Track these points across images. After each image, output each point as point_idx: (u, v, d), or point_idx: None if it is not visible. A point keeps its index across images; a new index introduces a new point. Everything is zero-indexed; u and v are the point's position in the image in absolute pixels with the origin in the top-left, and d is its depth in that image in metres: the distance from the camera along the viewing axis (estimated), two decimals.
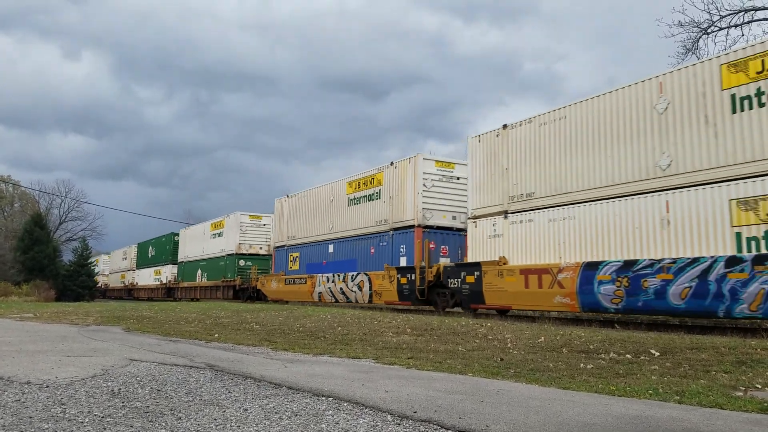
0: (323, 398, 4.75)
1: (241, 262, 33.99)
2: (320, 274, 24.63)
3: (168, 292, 44.32)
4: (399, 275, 19.74)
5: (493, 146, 16.57)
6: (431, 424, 3.87)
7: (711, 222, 11.18)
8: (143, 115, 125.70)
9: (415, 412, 4.17)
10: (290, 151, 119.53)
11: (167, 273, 45.49)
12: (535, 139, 15.29)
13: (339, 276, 23.27)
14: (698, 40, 22.70)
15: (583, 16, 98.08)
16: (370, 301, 21.49)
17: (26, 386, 5.21)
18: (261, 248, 34.99)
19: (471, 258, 16.83)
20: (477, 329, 10.88)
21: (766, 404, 4.64)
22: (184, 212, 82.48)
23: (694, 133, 11.68)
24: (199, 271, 39.24)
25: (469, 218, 17.13)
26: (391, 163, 21.31)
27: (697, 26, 22.53)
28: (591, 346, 8.49)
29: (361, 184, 23.14)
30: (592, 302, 13.17)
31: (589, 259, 13.37)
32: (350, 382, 5.55)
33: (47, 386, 5.22)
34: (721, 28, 22.43)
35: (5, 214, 65.81)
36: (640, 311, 12.34)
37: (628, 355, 7.73)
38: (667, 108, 12.20)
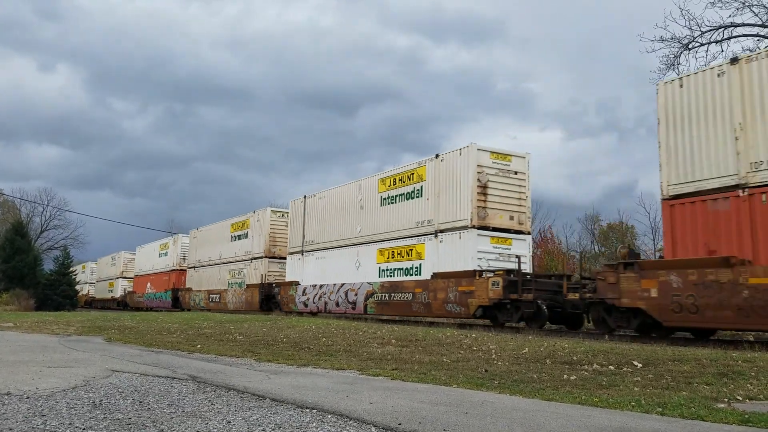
0: (307, 410, 4.73)
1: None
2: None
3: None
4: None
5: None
6: None
7: None
8: (119, 126, 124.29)
9: (399, 424, 4.17)
10: (269, 164, 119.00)
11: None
12: None
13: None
14: (679, 56, 23.10)
15: (552, 39, 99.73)
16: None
17: (6, 397, 5.13)
18: None
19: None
20: (462, 340, 10.90)
21: (747, 416, 4.70)
22: (167, 222, 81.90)
23: None
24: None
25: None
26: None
27: (678, 41, 22.95)
28: (574, 358, 8.53)
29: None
30: None
31: None
32: (334, 393, 5.53)
33: (28, 397, 5.14)
34: (701, 44, 22.86)
35: None
36: None
37: (611, 367, 7.79)
38: None
